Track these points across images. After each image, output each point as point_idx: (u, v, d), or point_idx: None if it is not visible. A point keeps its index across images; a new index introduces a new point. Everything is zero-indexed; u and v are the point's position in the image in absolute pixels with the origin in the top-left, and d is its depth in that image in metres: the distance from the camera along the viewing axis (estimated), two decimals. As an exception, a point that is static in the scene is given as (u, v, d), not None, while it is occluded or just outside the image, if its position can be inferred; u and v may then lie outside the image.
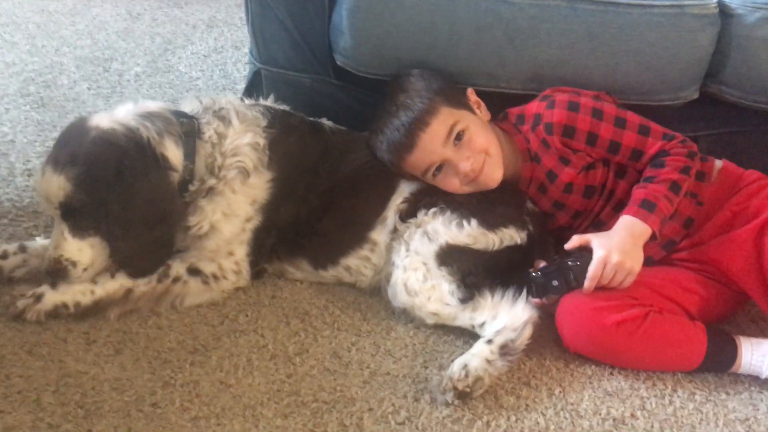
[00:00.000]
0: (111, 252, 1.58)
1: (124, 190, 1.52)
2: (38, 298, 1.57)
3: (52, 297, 1.57)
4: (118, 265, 1.60)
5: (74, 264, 1.56)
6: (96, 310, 1.60)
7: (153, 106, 1.66)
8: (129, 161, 1.53)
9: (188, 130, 1.64)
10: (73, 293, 1.58)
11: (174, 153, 1.60)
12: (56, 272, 1.57)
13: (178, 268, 1.66)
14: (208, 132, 1.66)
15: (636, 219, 1.57)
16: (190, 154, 1.63)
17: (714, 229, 1.67)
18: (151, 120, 1.59)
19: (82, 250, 1.57)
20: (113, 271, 1.62)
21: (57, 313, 1.58)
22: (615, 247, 1.53)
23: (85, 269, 1.57)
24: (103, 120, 1.57)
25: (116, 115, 1.60)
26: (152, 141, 1.57)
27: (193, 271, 1.67)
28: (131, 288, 1.62)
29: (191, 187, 1.65)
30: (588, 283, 1.54)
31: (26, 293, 1.58)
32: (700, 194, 1.69)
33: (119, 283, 1.61)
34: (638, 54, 1.80)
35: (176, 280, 1.65)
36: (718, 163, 1.74)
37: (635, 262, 1.54)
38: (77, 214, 1.54)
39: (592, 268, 1.53)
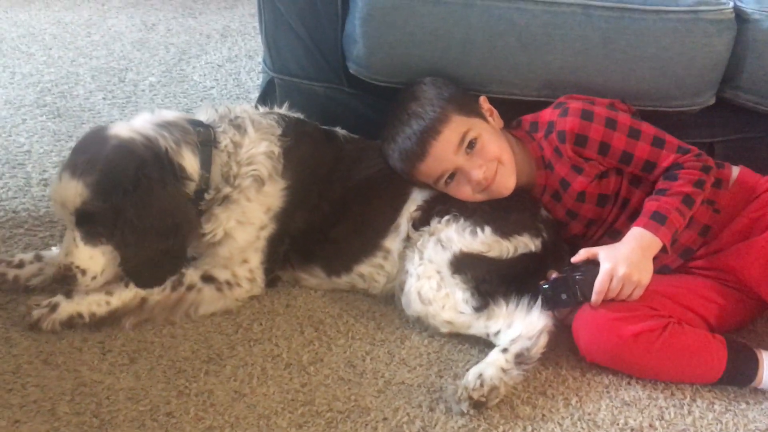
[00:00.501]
0: (121, 260, 1.57)
1: (141, 198, 1.52)
2: (53, 307, 1.57)
3: (67, 307, 1.57)
4: (126, 274, 1.59)
5: (83, 272, 1.56)
6: (111, 320, 1.60)
7: (169, 115, 1.66)
8: (147, 170, 1.53)
9: (204, 139, 1.65)
10: (89, 304, 1.58)
11: (191, 163, 1.61)
12: (64, 279, 1.57)
13: (192, 275, 1.66)
14: (224, 141, 1.67)
15: (646, 231, 1.55)
16: (206, 164, 1.63)
17: (732, 236, 1.65)
18: (169, 129, 1.60)
19: (94, 258, 1.57)
20: (128, 280, 1.62)
21: (72, 323, 1.58)
22: (622, 260, 1.51)
23: (94, 278, 1.57)
24: (122, 129, 1.58)
25: (134, 124, 1.61)
26: (170, 151, 1.57)
27: (207, 279, 1.67)
28: (146, 297, 1.62)
29: (207, 196, 1.65)
30: (595, 297, 1.52)
31: (41, 303, 1.58)
32: (717, 201, 1.67)
33: (134, 292, 1.61)
34: (654, 60, 1.79)
35: (190, 287, 1.66)
36: (735, 170, 1.72)
37: (643, 274, 1.52)
38: (92, 221, 1.54)
39: (599, 282, 1.51)
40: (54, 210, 1.79)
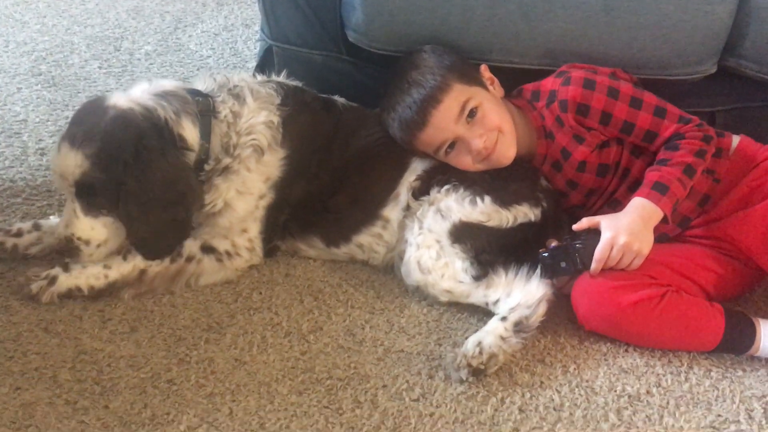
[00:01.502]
0: (127, 233, 1.57)
1: (142, 170, 1.51)
2: (52, 280, 1.57)
3: (65, 280, 1.57)
4: (133, 246, 1.60)
5: (87, 242, 1.56)
6: (110, 292, 1.60)
7: (168, 85, 1.64)
8: (147, 141, 1.52)
9: (204, 108, 1.63)
10: (87, 277, 1.58)
11: (191, 133, 1.59)
12: (68, 251, 1.57)
13: (191, 246, 1.66)
14: (224, 111, 1.65)
15: (647, 201, 1.55)
16: (205, 134, 1.62)
17: (731, 205, 1.65)
18: (168, 100, 1.58)
19: (95, 229, 1.56)
20: (125, 252, 1.61)
21: (71, 296, 1.58)
22: (623, 229, 1.51)
23: (98, 246, 1.57)
24: (121, 99, 1.56)
25: (133, 94, 1.59)
26: (170, 121, 1.56)
27: (207, 249, 1.67)
28: (145, 269, 1.62)
29: (206, 167, 1.64)
30: (594, 266, 1.53)
31: (40, 275, 1.58)
32: (717, 170, 1.67)
33: (132, 264, 1.61)
34: (655, 28, 1.77)
35: (190, 258, 1.66)
36: (735, 139, 1.71)
37: (644, 244, 1.52)
38: (92, 193, 1.54)
39: (599, 250, 1.52)
40: (53, 180, 1.78)
